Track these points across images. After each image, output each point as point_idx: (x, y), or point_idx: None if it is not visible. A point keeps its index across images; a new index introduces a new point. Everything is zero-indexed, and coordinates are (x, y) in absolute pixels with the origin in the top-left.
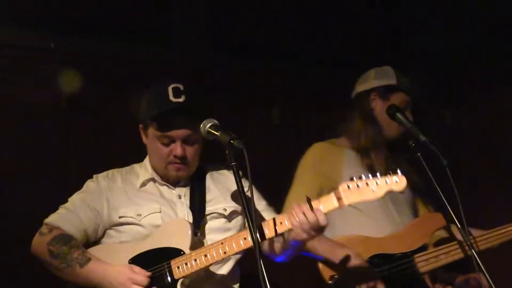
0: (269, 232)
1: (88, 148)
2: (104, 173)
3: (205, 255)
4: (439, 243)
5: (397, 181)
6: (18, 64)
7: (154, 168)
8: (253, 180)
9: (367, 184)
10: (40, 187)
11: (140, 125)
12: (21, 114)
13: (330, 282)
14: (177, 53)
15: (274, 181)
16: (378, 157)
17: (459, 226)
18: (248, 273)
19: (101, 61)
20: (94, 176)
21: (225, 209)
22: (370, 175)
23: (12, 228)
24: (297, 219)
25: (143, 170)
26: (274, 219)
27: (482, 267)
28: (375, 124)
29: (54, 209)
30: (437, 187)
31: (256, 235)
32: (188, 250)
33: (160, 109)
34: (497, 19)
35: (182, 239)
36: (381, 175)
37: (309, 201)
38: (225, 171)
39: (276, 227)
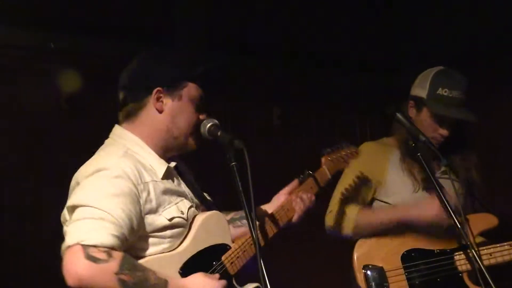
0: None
1: (88, 148)
2: (123, 165)
3: (250, 244)
4: (485, 244)
5: (355, 152)
6: (18, 64)
7: (160, 145)
8: (252, 180)
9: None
10: (40, 187)
11: (158, 89)
12: (21, 114)
13: (363, 271)
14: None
15: (273, 181)
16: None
17: (458, 227)
18: None
19: (101, 61)
20: (119, 170)
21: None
22: (338, 144)
23: (11, 228)
24: (303, 203)
25: (152, 157)
26: (282, 207)
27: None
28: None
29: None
30: (437, 187)
31: (256, 235)
32: (231, 243)
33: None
34: (497, 18)
35: (223, 233)
36: (423, 179)
37: (312, 175)
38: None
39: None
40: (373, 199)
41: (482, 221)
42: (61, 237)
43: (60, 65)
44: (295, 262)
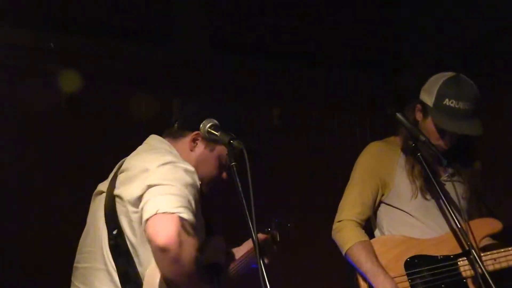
0: None
1: (88, 148)
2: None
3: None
4: (490, 248)
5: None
6: (18, 64)
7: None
8: (252, 180)
9: None
10: (40, 187)
11: (198, 132)
12: (21, 114)
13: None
14: (177, 53)
15: (273, 181)
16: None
17: (458, 227)
18: None
19: (101, 61)
20: (192, 168)
21: None
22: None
23: (11, 227)
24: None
25: None
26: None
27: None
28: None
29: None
30: (437, 187)
31: (256, 235)
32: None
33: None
34: (496, 18)
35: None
36: (422, 186)
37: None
38: None
39: None
40: (380, 202)
41: (486, 226)
42: (63, 236)
43: (60, 65)
44: (296, 268)
